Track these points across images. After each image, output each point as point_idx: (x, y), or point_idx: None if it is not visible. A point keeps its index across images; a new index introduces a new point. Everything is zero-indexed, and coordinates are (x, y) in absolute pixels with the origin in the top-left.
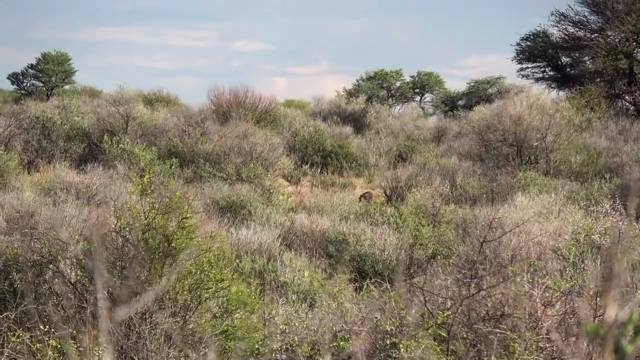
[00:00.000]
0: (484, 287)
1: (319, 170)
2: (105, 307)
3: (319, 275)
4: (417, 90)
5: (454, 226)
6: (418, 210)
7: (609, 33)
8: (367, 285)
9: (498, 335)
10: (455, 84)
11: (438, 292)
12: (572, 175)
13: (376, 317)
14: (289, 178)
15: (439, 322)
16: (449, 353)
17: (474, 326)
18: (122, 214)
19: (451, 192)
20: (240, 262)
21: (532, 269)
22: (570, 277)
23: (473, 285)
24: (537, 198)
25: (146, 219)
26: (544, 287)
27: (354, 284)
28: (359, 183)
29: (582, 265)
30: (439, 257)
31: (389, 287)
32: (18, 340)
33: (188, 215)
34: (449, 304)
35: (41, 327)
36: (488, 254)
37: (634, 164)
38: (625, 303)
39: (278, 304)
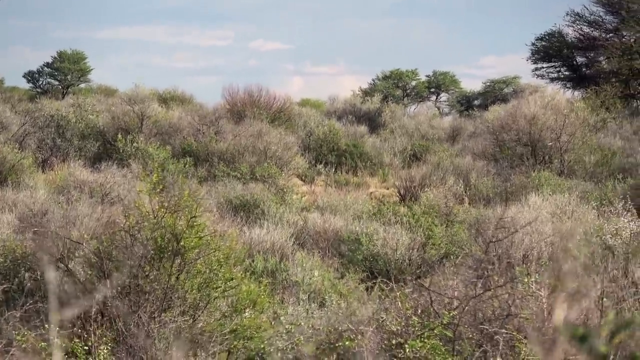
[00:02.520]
0: (491, 288)
1: (333, 169)
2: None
3: (330, 275)
4: (432, 89)
5: (467, 226)
6: (431, 210)
7: (624, 33)
8: (378, 284)
9: (504, 335)
10: (473, 84)
11: (445, 292)
12: (586, 176)
13: (382, 317)
14: (303, 177)
15: (445, 322)
16: (455, 353)
17: (480, 326)
18: (131, 213)
19: (465, 192)
20: (253, 261)
21: (541, 269)
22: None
23: (480, 285)
24: (551, 198)
25: (155, 217)
26: (550, 287)
27: (366, 283)
28: (373, 182)
29: (593, 266)
30: (451, 257)
31: (395, 287)
32: (23, 339)
33: (197, 214)
34: (455, 304)
35: (46, 325)
36: (500, 253)
37: None
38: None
39: (288, 303)
